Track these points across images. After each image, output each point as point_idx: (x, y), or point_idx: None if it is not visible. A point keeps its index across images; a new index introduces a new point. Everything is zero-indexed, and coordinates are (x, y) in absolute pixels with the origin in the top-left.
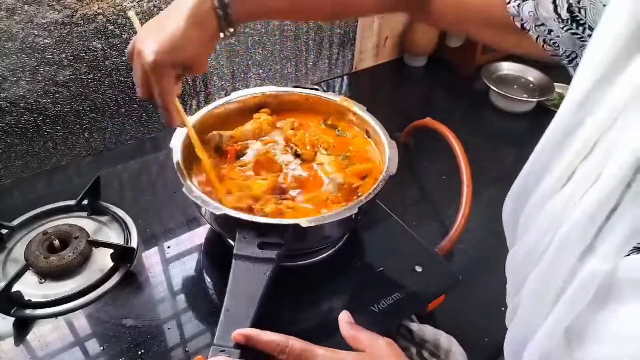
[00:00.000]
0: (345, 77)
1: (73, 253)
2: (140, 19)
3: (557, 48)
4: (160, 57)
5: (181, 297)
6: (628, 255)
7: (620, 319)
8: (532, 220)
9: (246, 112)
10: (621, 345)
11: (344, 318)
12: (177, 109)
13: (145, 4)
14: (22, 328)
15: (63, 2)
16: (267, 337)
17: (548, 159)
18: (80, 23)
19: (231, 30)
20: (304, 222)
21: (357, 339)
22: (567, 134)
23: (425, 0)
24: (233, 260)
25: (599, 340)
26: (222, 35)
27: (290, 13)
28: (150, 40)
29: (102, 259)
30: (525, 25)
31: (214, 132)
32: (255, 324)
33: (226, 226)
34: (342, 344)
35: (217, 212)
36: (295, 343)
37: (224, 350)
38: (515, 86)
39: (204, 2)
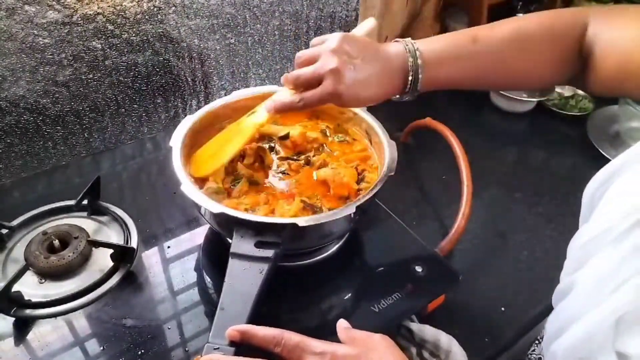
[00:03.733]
0: None
1: (73, 253)
2: (141, 18)
3: None
4: (339, 72)
5: (181, 297)
6: None
7: None
8: (615, 202)
9: (246, 112)
10: None
11: (342, 324)
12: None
13: (145, 4)
14: (22, 328)
15: (63, 2)
16: (263, 332)
17: None
18: (80, 23)
19: (410, 96)
20: (301, 222)
21: (353, 338)
22: None
23: (586, 77)
24: (230, 259)
25: None
26: (398, 96)
27: (473, 84)
28: (344, 55)
29: (102, 259)
30: None
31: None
32: (250, 323)
33: (224, 225)
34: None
35: (215, 211)
36: (291, 335)
37: (218, 348)
38: None
39: (398, 59)
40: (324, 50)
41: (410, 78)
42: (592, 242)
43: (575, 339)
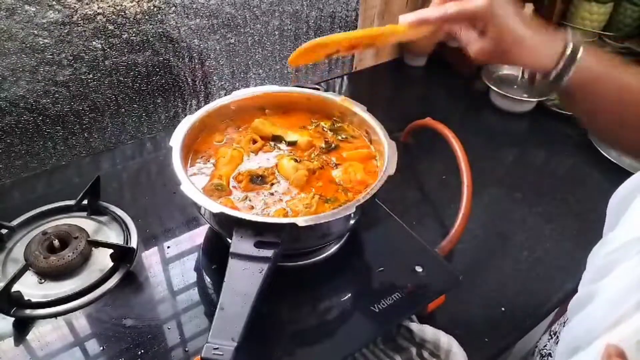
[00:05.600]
0: (345, 77)
1: (73, 253)
2: (141, 18)
3: None
4: (483, 10)
5: (181, 297)
6: None
7: None
8: None
9: (246, 111)
10: None
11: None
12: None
13: (145, 4)
14: (22, 328)
15: (63, 2)
16: None
17: None
18: (80, 23)
19: (552, 84)
20: (300, 222)
21: None
22: None
23: None
24: (229, 259)
25: None
26: (538, 78)
27: (611, 109)
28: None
29: (102, 259)
30: None
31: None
32: (250, 323)
33: (224, 225)
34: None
35: (215, 211)
36: None
37: (217, 348)
38: (515, 86)
39: (560, 38)
40: None
41: (562, 63)
42: (618, 251)
43: (596, 356)
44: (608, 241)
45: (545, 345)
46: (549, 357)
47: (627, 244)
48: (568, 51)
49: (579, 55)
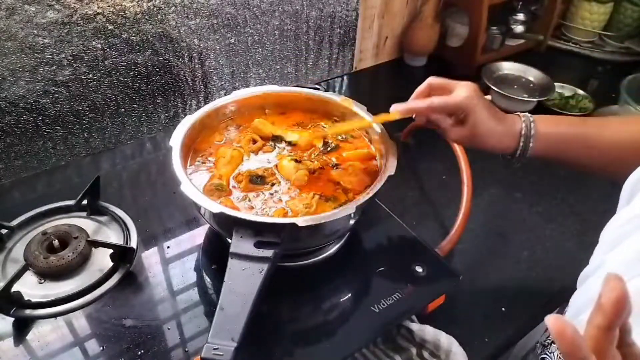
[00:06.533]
0: (345, 77)
1: (73, 253)
2: (141, 18)
3: None
4: (464, 105)
5: (181, 297)
6: None
7: None
8: None
9: (247, 111)
10: None
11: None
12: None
13: (145, 4)
14: (21, 328)
15: (63, 2)
16: None
17: None
18: (80, 23)
19: (520, 160)
20: (300, 222)
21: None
22: None
23: None
24: (229, 259)
25: None
26: (509, 157)
27: (584, 162)
28: (472, 92)
29: (102, 259)
30: None
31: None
32: (250, 323)
33: (224, 225)
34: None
35: (215, 211)
36: None
37: (217, 348)
38: (515, 86)
39: (517, 124)
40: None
41: (521, 143)
42: (627, 225)
43: None
44: (620, 216)
45: (548, 336)
46: (551, 345)
47: (636, 218)
48: (524, 128)
49: (534, 128)
